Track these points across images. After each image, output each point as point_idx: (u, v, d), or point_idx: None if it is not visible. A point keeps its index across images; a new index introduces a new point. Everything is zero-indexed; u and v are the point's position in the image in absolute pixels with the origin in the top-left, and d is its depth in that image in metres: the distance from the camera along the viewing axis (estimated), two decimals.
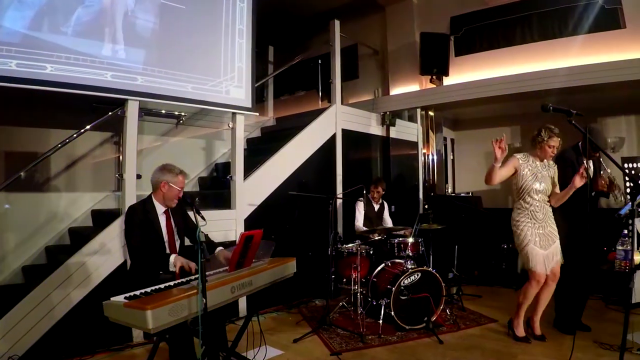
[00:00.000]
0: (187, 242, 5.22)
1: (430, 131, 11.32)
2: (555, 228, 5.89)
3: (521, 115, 10.84)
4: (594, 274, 6.39)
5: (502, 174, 5.84)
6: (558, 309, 6.34)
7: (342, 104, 9.63)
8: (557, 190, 5.94)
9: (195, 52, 7.01)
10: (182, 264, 4.50)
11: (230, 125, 7.61)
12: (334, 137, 9.22)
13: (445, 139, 12.51)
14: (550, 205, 5.96)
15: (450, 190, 12.24)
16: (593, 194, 5.89)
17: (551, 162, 6.06)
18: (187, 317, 3.70)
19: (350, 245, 7.46)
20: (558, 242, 5.86)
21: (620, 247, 4.04)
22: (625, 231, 4.83)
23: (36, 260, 6.89)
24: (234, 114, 7.57)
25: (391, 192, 10.05)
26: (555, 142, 5.84)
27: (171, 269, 4.50)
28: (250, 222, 7.60)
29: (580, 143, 6.16)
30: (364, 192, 7.61)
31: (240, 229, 7.44)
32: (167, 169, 4.89)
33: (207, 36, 7.18)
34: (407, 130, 11.25)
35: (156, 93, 6.56)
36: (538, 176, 5.87)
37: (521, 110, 10.43)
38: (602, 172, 6.10)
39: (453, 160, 13.03)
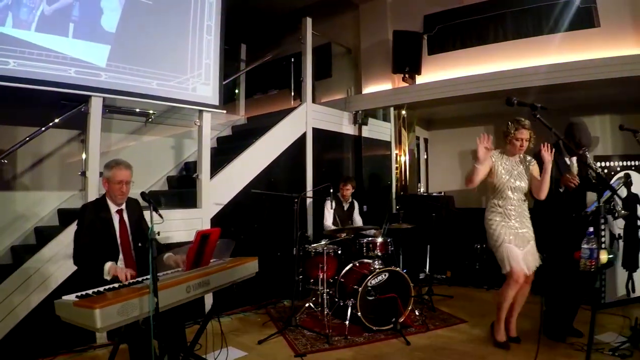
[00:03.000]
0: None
1: (402, 130, 11.25)
2: (531, 228, 5.70)
3: (496, 115, 10.70)
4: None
5: (480, 175, 5.62)
6: (548, 315, 6.04)
7: (315, 102, 9.60)
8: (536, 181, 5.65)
9: (161, 49, 6.89)
10: (117, 273, 4.28)
11: (197, 123, 7.47)
12: (304, 136, 9.15)
13: (418, 138, 12.45)
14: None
15: (423, 190, 12.13)
16: (561, 189, 5.67)
17: (529, 158, 5.82)
18: (139, 317, 3.57)
19: (316, 245, 7.35)
20: (534, 242, 5.66)
21: (585, 246, 3.91)
22: (591, 229, 4.71)
23: (1, 260, 6.70)
24: (200, 111, 7.44)
25: (363, 192, 10.05)
26: (524, 134, 5.58)
27: (105, 276, 4.31)
28: (218, 221, 7.45)
29: (560, 141, 5.88)
30: (331, 191, 7.47)
31: (208, 227, 7.27)
32: (105, 165, 4.79)
33: (174, 32, 7.06)
34: (380, 130, 11.20)
35: (120, 90, 6.44)
36: (513, 174, 5.66)
37: (495, 110, 10.33)
38: (589, 170, 5.86)
39: (427, 160, 12.95)
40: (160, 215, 4.12)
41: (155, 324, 3.51)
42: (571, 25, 8.83)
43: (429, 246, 8.84)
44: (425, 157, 12.84)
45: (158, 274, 3.93)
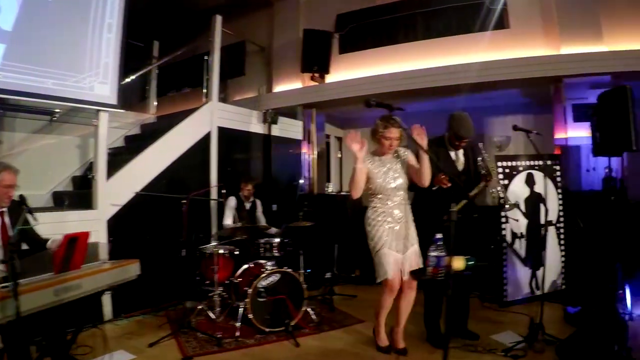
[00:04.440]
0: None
1: (312, 129, 11.21)
2: (415, 230, 5.42)
3: (411, 115, 10.79)
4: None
5: (362, 182, 5.30)
6: (428, 323, 5.97)
7: (227, 100, 9.78)
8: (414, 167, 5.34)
9: (58, 47, 6.66)
10: None
11: (95, 123, 7.30)
12: (208, 135, 9.02)
13: (328, 136, 12.42)
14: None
15: (334, 189, 12.01)
16: (434, 188, 5.48)
17: (402, 151, 5.52)
18: (1, 320, 3.46)
19: (208, 245, 7.23)
20: (417, 246, 5.35)
21: (432, 253, 3.69)
22: (439, 235, 4.61)
23: None
24: (97, 110, 7.24)
25: (273, 191, 10.00)
26: (393, 133, 5.23)
27: None
28: (115, 222, 7.31)
29: (445, 134, 5.87)
30: (223, 191, 7.36)
31: (103, 230, 7.12)
32: None
33: (72, 30, 6.82)
34: (290, 129, 11.10)
35: (11, 89, 6.20)
36: (389, 174, 5.35)
37: (410, 109, 10.39)
38: (480, 161, 5.70)
39: (341, 159, 12.94)
40: (35, 218, 4.24)
41: (19, 327, 3.47)
42: (482, 27, 8.98)
43: (336, 245, 8.79)
44: (340, 156, 12.81)
45: (30, 277, 3.89)
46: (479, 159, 5.72)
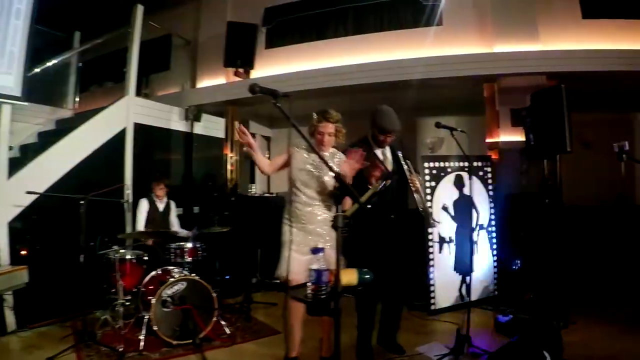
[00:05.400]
0: None
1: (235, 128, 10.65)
2: (329, 232, 4.91)
3: (348, 113, 10.50)
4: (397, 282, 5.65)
5: (276, 162, 5.21)
6: (359, 335, 5.52)
7: (151, 97, 9.51)
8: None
9: None
10: None
11: None
12: (124, 132, 8.57)
13: (253, 135, 11.94)
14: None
15: (256, 190, 11.58)
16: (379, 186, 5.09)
17: (339, 155, 5.13)
18: None
19: (108, 250, 6.59)
20: (330, 252, 4.53)
21: (314, 267, 3.18)
22: (320, 245, 4.23)
23: None
24: None
25: (194, 193, 9.69)
26: (327, 128, 4.92)
27: None
28: (18, 224, 6.80)
29: (369, 132, 5.54)
30: (127, 191, 6.88)
31: (4, 232, 6.59)
32: None
33: None
34: (214, 127, 10.74)
35: None
36: (313, 172, 4.93)
37: (346, 107, 10.04)
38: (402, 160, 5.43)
39: (269, 159, 12.48)
40: None
41: None
42: (415, 23, 8.85)
43: (259, 250, 8.38)
44: (267, 156, 12.43)
45: None
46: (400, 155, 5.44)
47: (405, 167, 5.38)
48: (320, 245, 4.42)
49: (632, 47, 7.63)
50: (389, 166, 5.51)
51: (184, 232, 7.53)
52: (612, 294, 7.35)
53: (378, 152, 5.50)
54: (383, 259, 5.19)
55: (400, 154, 5.43)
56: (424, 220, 5.80)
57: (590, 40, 7.91)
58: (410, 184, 5.35)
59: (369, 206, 3.90)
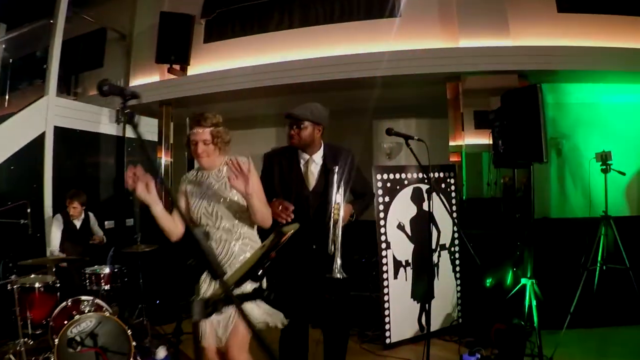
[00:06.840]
0: None
1: (170, 131, 9.87)
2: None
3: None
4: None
5: (181, 207, 3.90)
6: None
7: (83, 96, 8.88)
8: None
9: None
10: None
11: None
12: (42, 136, 7.81)
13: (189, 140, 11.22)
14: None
15: None
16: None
17: (226, 168, 3.83)
18: None
19: (7, 281, 5.61)
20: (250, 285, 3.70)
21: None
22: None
23: None
24: None
25: (127, 204, 8.90)
26: (197, 135, 3.72)
27: None
28: None
29: None
30: (28, 210, 5.98)
31: None
32: None
33: None
34: (150, 129, 9.88)
35: None
36: (208, 195, 3.83)
37: (288, 110, 9.38)
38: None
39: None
40: None
41: None
42: (369, 14, 8.33)
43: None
44: None
45: None
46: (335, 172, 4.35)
47: (334, 188, 4.33)
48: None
49: (611, 44, 7.27)
50: (312, 183, 4.48)
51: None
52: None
53: (302, 164, 4.51)
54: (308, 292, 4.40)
55: (336, 170, 4.43)
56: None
57: (566, 36, 7.45)
58: (333, 211, 4.28)
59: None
